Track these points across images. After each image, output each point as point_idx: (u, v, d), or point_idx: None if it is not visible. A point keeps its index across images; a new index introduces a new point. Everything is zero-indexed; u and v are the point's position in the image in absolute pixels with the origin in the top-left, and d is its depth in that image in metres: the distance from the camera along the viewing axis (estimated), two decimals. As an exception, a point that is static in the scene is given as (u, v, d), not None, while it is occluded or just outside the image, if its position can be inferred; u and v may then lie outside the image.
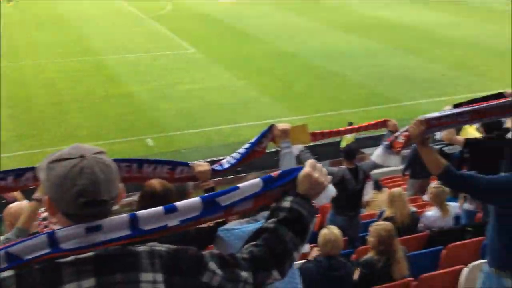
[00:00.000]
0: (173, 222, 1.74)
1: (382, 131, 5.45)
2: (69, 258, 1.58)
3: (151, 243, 1.69)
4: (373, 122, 5.24)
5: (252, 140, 3.67)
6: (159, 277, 1.61)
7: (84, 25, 29.24)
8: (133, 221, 1.69)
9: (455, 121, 3.31)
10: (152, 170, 3.30)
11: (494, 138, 6.03)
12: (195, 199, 1.80)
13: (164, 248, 1.68)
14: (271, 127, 3.67)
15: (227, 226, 3.24)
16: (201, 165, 3.43)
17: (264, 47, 24.84)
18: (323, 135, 4.96)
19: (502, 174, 3.32)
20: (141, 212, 1.72)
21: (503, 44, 24.88)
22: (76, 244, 1.60)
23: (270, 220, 1.78)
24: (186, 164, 3.46)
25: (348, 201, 6.03)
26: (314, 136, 5.13)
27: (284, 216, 1.77)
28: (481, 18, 31.47)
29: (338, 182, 5.85)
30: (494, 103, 3.29)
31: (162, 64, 21.97)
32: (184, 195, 3.44)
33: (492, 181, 3.17)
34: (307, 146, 5.24)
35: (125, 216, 1.70)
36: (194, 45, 25.07)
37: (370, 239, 4.48)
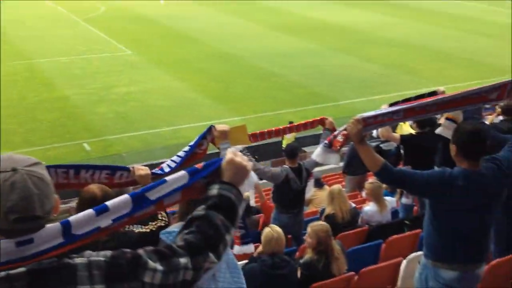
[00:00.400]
0: (105, 222, 1.73)
1: (320, 130, 5.56)
2: (0, 274, 1.50)
3: (88, 253, 1.64)
4: (310, 120, 5.33)
5: (192, 143, 3.67)
6: None
7: (15, 28, 28.15)
8: (66, 228, 1.65)
9: (390, 119, 3.40)
10: (90, 175, 3.23)
11: (427, 133, 6.25)
12: (124, 196, 1.79)
13: (101, 257, 1.63)
14: (210, 128, 3.67)
15: (168, 229, 3.20)
16: (141, 169, 3.40)
17: (202, 48, 24.76)
18: (263, 135, 4.99)
19: (436, 169, 3.44)
20: (72, 218, 1.68)
21: (435, 43, 25.93)
22: (6, 258, 1.54)
23: (200, 208, 1.80)
24: (126, 169, 3.41)
25: (292, 199, 6.11)
26: (255, 137, 5.16)
27: (213, 202, 1.80)
28: (413, 18, 32.64)
29: (283, 182, 5.91)
30: (427, 100, 3.40)
31: (97, 66, 21.49)
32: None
33: (425, 176, 3.28)
34: (248, 146, 5.27)
35: (57, 224, 1.65)
36: (130, 47, 24.67)
37: (309, 240, 4.54)
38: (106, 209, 1.74)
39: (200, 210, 1.80)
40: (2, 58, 21.95)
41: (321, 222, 4.63)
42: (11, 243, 1.55)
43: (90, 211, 1.72)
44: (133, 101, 17.48)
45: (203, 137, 3.68)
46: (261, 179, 6.04)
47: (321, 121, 5.30)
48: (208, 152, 3.78)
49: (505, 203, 3.63)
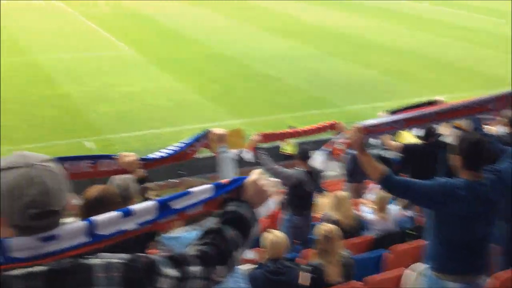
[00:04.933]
0: (130, 225, 1.76)
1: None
2: (19, 272, 1.53)
3: (104, 254, 1.67)
4: (322, 124, 5.38)
5: (186, 141, 3.68)
6: None
7: (15, 24, 28.02)
8: (90, 227, 1.67)
9: (391, 127, 3.45)
10: (69, 166, 3.13)
11: (430, 142, 6.32)
12: (150, 202, 1.83)
13: (118, 259, 1.66)
14: (206, 133, 3.69)
15: (172, 234, 3.24)
16: (128, 155, 3.40)
17: (201, 50, 24.74)
18: (274, 136, 5.06)
19: (438, 179, 3.46)
20: (97, 217, 1.70)
21: (433, 52, 25.97)
22: (31, 253, 1.56)
23: (216, 221, 1.86)
24: (109, 157, 3.41)
25: (305, 201, 6.17)
26: (266, 137, 5.24)
27: (229, 218, 1.85)
28: (412, 26, 32.68)
29: (296, 184, 5.95)
30: (427, 110, 3.45)
31: (98, 64, 21.44)
32: (127, 200, 3.43)
33: (429, 186, 3.32)
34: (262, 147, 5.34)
35: (80, 222, 1.68)
36: (131, 46, 24.61)
37: (316, 241, 4.59)
38: (132, 213, 1.77)
39: (215, 224, 1.86)
40: (4, 54, 21.91)
41: (328, 224, 4.65)
42: (33, 238, 1.57)
43: (116, 212, 1.75)
44: (134, 100, 17.47)
45: (197, 139, 3.70)
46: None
47: (332, 126, 5.35)
48: (202, 156, 3.79)
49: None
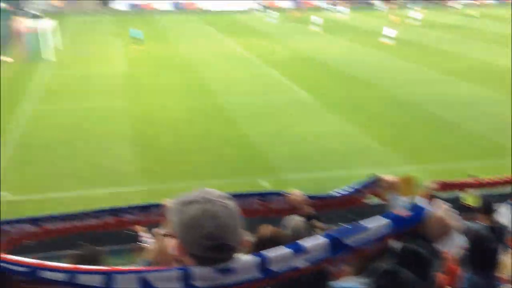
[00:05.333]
0: (302, 262, 1.74)
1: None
2: None
3: None
4: (510, 177, 5.01)
5: (354, 186, 3.64)
6: None
7: (204, 69, 30.55)
8: (263, 263, 1.71)
9: None
10: (241, 202, 3.26)
11: None
12: (322, 239, 1.78)
13: None
14: (376, 180, 3.59)
15: (344, 284, 3.18)
16: (296, 194, 3.46)
17: (377, 94, 24.53)
18: (452, 186, 4.82)
19: None
20: (270, 253, 1.74)
21: None
22: (208, 284, 1.64)
23: (390, 261, 1.83)
24: (277, 193, 3.48)
25: (487, 259, 5.70)
26: (443, 186, 5.01)
27: (405, 257, 1.80)
28: None
29: (476, 239, 5.55)
30: None
31: (276, 107, 22.39)
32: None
33: None
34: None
35: (254, 257, 1.74)
36: (307, 90, 25.31)
37: None
38: (303, 250, 1.76)
39: (389, 264, 1.80)
40: (193, 96, 24.08)
41: None
42: (214, 269, 1.66)
43: (287, 249, 1.76)
44: (308, 142, 17.89)
45: (366, 186, 3.63)
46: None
47: None
48: (372, 203, 3.72)
49: None
